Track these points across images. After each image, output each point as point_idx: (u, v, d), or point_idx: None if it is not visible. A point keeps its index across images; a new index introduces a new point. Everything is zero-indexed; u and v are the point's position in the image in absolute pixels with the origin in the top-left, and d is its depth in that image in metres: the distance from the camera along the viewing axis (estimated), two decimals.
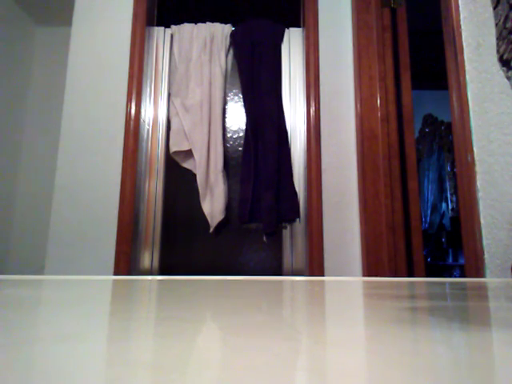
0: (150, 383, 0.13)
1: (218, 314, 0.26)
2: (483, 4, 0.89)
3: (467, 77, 0.93)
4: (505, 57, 0.46)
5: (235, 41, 1.68)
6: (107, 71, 1.61)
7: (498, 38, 0.48)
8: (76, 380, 0.13)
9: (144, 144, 1.61)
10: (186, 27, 1.69)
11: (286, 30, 1.73)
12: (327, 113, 1.57)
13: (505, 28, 0.46)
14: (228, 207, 1.56)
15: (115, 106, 1.58)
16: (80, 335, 0.19)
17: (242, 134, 1.66)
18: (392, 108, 1.44)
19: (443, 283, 0.50)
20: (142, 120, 1.59)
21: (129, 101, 1.57)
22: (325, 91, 1.59)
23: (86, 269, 1.45)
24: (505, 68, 0.47)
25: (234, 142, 1.65)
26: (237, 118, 1.67)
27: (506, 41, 0.46)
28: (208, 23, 1.70)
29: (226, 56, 1.68)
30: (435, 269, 2.93)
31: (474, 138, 0.90)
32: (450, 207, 3.06)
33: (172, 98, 1.62)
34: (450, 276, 2.89)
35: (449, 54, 1.01)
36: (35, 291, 0.40)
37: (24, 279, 0.50)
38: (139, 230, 1.55)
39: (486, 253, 0.85)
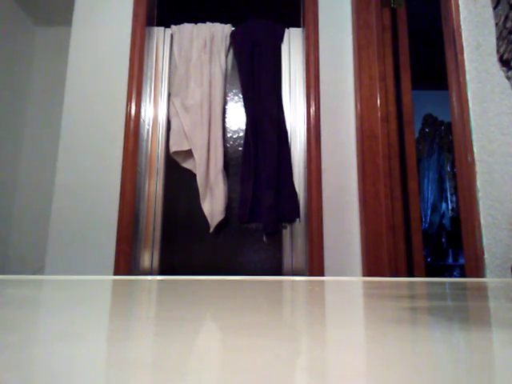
0: (150, 383, 0.13)
1: (218, 314, 0.26)
2: (483, 4, 0.89)
3: (467, 77, 0.93)
4: (505, 57, 0.46)
5: (235, 41, 1.68)
6: (107, 71, 1.61)
7: (497, 38, 0.48)
8: (76, 380, 0.13)
9: (144, 144, 1.61)
10: (186, 27, 1.69)
11: (286, 30, 1.73)
12: (327, 113, 1.57)
13: (505, 28, 0.46)
14: (228, 207, 1.56)
15: (115, 105, 1.57)
16: (80, 335, 0.19)
17: (241, 134, 1.66)
18: (392, 108, 1.44)
19: (443, 283, 0.50)
20: (142, 120, 1.59)
21: (129, 101, 1.57)
22: (325, 91, 1.59)
23: (86, 269, 1.44)
24: (505, 68, 0.47)
25: (234, 142, 1.65)
26: (237, 118, 1.67)
27: (506, 41, 0.46)
28: (208, 23, 1.70)
29: (226, 56, 1.68)
30: (435, 269, 2.93)
31: (474, 137, 0.90)
32: (449, 207, 3.06)
33: (172, 98, 1.62)
34: (450, 276, 2.89)
35: (449, 54, 1.01)
36: (35, 291, 0.40)
37: (24, 279, 0.50)
38: (139, 230, 1.55)
39: (486, 253, 0.85)
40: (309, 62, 1.60)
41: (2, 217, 2.03)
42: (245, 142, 1.60)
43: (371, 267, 1.34)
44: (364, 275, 1.38)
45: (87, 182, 1.52)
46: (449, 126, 3.13)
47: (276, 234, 1.55)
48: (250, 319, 0.24)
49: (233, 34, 1.69)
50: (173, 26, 1.71)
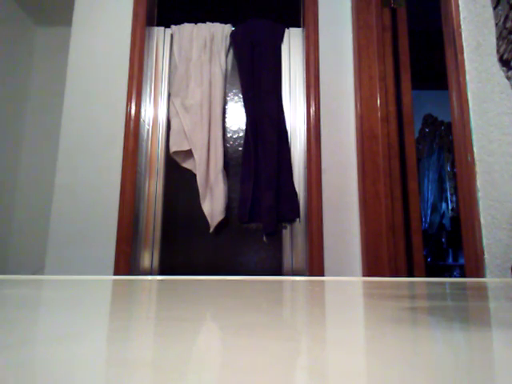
0: (150, 383, 0.13)
1: (218, 314, 0.26)
2: (483, 4, 0.89)
3: (467, 77, 0.93)
4: (505, 57, 0.46)
5: (235, 41, 1.68)
6: (107, 71, 1.61)
7: (497, 38, 0.48)
8: (76, 380, 0.13)
9: (144, 144, 1.61)
10: (186, 27, 1.69)
11: (286, 30, 1.73)
12: (327, 113, 1.57)
13: (505, 28, 0.46)
14: (228, 207, 1.56)
15: (115, 105, 1.57)
16: (80, 335, 0.19)
17: (241, 134, 1.66)
18: (392, 108, 1.44)
19: (443, 283, 0.50)
20: (142, 120, 1.59)
21: (129, 101, 1.57)
22: (325, 91, 1.59)
23: (86, 269, 1.44)
24: (505, 68, 0.47)
25: (234, 142, 1.65)
26: (237, 118, 1.67)
27: (506, 41, 0.46)
28: (208, 23, 1.70)
29: (226, 56, 1.68)
30: (435, 269, 2.93)
31: (474, 137, 0.90)
32: (449, 207, 3.06)
33: (172, 97, 1.62)
34: (450, 276, 2.88)
35: (449, 54, 1.01)
36: (35, 291, 0.40)
37: (24, 279, 0.50)
38: (139, 230, 1.55)
39: (486, 253, 0.85)
40: (309, 62, 1.60)
41: (1, 217, 2.03)
42: (245, 142, 1.60)
43: (371, 267, 1.34)
44: (364, 275, 1.38)
45: (87, 182, 1.52)
46: (449, 126, 3.13)
47: (276, 234, 1.55)
48: (250, 319, 0.24)
49: (233, 34, 1.69)
50: (173, 26, 1.71)
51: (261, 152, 1.56)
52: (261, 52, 1.65)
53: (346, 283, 0.51)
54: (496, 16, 0.48)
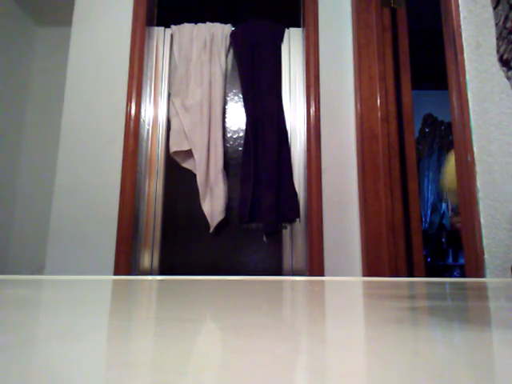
0: (150, 383, 0.13)
1: (218, 314, 0.26)
2: (483, 4, 0.89)
3: (467, 77, 0.93)
4: (505, 57, 0.46)
5: (235, 41, 1.68)
6: (107, 71, 1.60)
7: (497, 38, 0.48)
8: (76, 380, 0.13)
9: (144, 144, 1.61)
10: (186, 27, 1.69)
11: (286, 30, 1.73)
12: (327, 113, 1.57)
13: (505, 28, 0.46)
14: (228, 207, 1.56)
15: (115, 106, 1.57)
16: (80, 335, 0.19)
17: (241, 134, 1.66)
18: (392, 108, 1.44)
19: (443, 283, 0.50)
20: (142, 120, 1.59)
21: (129, 101, 1.57)
22: (325, 91, 1.59)
23: (86, 269, 1.44)
24: (505, 68, 0.47)
25: (234, 142, 1.65)
26: (237, 118, 1.67)
27: (506, 41, 0.46)
28: (208, 23, 1.70)
29: (226, 56, 1.68)
30: (435, 269, 2.93)
31: (474, 137, 0.90)
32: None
33: (172, 97, 1.62)
34: (450, 276, 2.88)
35: (449, 54, 1.00)
36: (35, 291, 0.40)
37: (24, 279, 0.50)
38: (139, 230, 1.55)
39: (486, 253, 0.85)
40: (309, 62, 1.60)
41: (2, 217, 2.03)
42: (245, 142, 1.60)
43: (371, 267, 1.34)
44: (364, 275, 1.38)
45: (87, 181, 1.52)
46: (449, 125, 3.13)
47: (276, 234, 1.55)
48: (250, 319, 0.24)
49: (233, 34, 1.69)
50: (173, 26, 1.71)
51: (261, 152, 1.56)
52: (261, 52, 1.65)
53: (346, 283, 0.51)
54: (496, 16, 0.48)
